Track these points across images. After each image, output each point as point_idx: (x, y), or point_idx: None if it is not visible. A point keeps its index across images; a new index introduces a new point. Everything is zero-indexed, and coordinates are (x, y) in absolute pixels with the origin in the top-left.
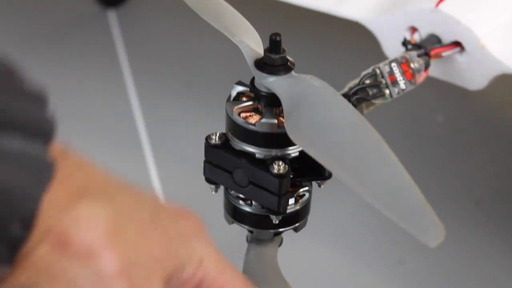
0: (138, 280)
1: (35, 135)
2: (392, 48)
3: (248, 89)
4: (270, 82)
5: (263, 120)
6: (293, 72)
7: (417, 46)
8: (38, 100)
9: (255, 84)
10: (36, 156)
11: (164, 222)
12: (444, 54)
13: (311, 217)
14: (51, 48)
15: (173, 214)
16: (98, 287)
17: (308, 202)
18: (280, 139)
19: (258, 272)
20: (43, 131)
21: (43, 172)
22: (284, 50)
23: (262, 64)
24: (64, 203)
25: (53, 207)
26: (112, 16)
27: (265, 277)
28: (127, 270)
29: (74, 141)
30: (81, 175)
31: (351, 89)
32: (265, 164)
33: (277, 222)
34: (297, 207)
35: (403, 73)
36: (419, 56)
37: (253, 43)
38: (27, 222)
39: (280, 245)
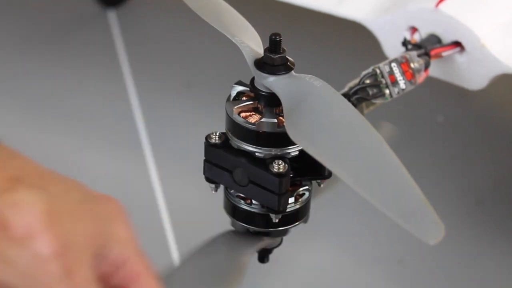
0: (72, 260)
1: None
2: (392, 48)
3: (248, 89)
4: (270, 82)
5: (263, 120)
6: (293, 72)
7: (417, 46)
8: None
9: (255, 84)
10: None
11: (93, 205)
12: (444, 54)
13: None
14: (51, 48)
15: (99, 198)
16: (35, 267)
17: (308, 201)
18: (280, 139)
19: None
20: None
21: None
22: (284, 50)
23: (262, 64)
24: (1, 189)
25: None
26: (112, 16)
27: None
28: (62, 250)
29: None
30: (16, 162)
31: (351, 88)
32: (265, 163)
33: (276, 220)
34: (297, 206)
35: (403, 73)
36: (419, 56)
37: (253, 43)
38: None
39: (279, 245)
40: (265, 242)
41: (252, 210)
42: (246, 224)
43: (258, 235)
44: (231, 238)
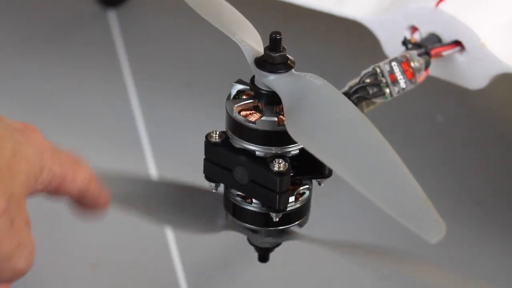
0: (13, 210)
1: None
2: (392, 47)
3: (248, 87)
4: (270, 80)
5: (263, 118)
6: (293, 70)
7: (417, 45)
8: None
9: (255, 82)
10: None
11: (23, 145)
12: (445, 53)
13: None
14: (51, 48)
15: (22, 131)
16: None
17: (308, 200)
18: (280, 137)
19: None
20: None
21: None
22: (284, 48)
23: (262, 62)
24: None
25: None
26: (112, 16)
27: None
28: (6, 206)
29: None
30: None
31: (351, 87)
32: (265, 162)
33: (277, 219)
34: (297, 204)
35: (404, 72)
36: (419, 55)
37: (253, 42)
38: None
39: (279, 244)
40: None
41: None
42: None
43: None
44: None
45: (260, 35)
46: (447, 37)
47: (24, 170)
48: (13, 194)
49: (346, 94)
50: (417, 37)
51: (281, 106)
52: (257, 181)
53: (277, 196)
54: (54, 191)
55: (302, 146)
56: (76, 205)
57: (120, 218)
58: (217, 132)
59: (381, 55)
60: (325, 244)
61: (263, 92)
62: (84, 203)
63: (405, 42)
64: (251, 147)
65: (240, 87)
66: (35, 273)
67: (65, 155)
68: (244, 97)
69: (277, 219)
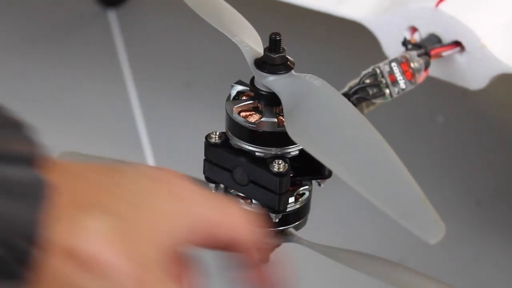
0: (146, 277)
1: (18, 160)
2: (392, 47)
3: (248, 88)
4: (270, 81)
5: (263, 119)
6: (293, 71)
7: (417, 45)
8: (15, 126)
9: (255, 83)
10: (22, 179)
11: (158, 201)
12: (444, 53)
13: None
14: (51, 48)
15: (166, 183)
16: None
17: (308, 201)
18: (280, 138)
19: None
20: (25, 154)
21: (36, 192)
22: (284, 49)
23: (262, 63)
24: (67, 218)
25: (55, 221)
26: (112, 16)
27: None
28: (134, 272)
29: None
30: (76, 183)
31: (351, 88)
32: (265, 162)
33: (276, 220)
34: (297, 205)
35: (403, 72)
36: (419, 55)
37: (253, 43)
38: (30, 239)
39: (280, 245)
40: None
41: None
42: None
43: None
44: None
45: (260, 35)
46: (447, 38)
47: (164, 227)
48: (143, 260)
49: (346, 94)
50: (417, 37)
51: (280, 107)
52: (257, 182)
53: (277, 197)
54: (211, 241)
55: (301, 147)
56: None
57: None
58: (217, 133)
59: (381, 56)
60: (323, 250)
61: (263, 93)
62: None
63: (405, 43)
64: (251, 148)
65: (240, 88)
66: None
67: (215, 197)
68: (244, 98)
69: (277, 220)
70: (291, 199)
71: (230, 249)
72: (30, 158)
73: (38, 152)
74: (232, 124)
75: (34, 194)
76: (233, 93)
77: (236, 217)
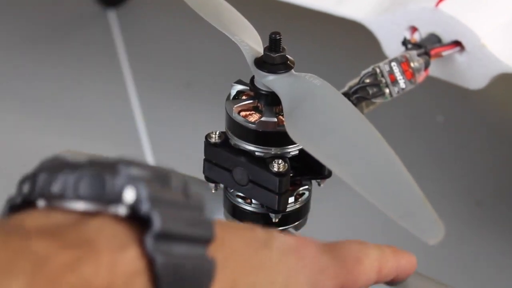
0: None
1: (199, 241)
2: (392, 47)
3: (248, 88)
4: (270, 81)
5: (263, 119)
6: (292, 70)
7: (417, 45)
8: (198, 206)
9: (255, 83)
10: (200, 259)
11: (296, 272)
12: (444, 53)
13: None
14: (51, 48)
15: (298, 253)
16: None
17: (308, 201)
18: (280, 138)
19: None
20: (204, 236)
21: (205, 273)
22: (283, 49)
23: (262, 63)
24: None
25: None
26: (112, 16)
27: None
28: None
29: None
30: (227, 262)
31: (351, 88)
32: (264, 162)
33: (276, 220)
34: (297, 205)
35: (403, 72)
36: (419, 55)
37: (252, 42)
38: None
39: None
40: None
41: (252, 209)
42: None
43: None
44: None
45: (260, 35)
46: (446, 37)
47: None
48: None
49: (346, 94)
50: (417, 37)
51: (280, 107)
52: (256, 181)
53: (277, 196)
54: None
55: (301, 147)
56: None
57: None
58: (217, 133)
59: (381, 55)
60: None
61: (263, 92)
62: None
63: (404, 42)
64: (251, 147)
65: (239, 87)
66: None
67: (343, 263)
68: (243, 97)
69: (277, 220)
70: (291, 199)
71: None
72: (209, 238)
73: (210, 225)
74: (232, 124)
75: (202, 275)
76: (233, 92)
77: (368, 270)
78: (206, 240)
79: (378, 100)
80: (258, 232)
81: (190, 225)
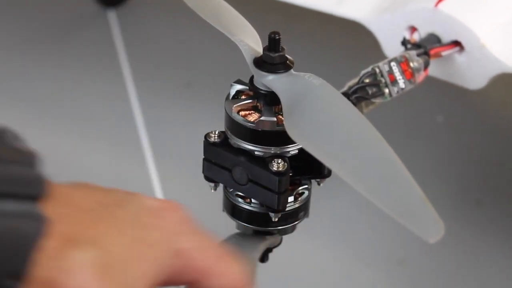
0: None
1: (23, 195)
2: (392, 47)
3: (247, 88)
4: (269, 80)
5: (262, 118)
6: (292, 70)
7: (416, 45)
8: (27, 159)
9: (254, 83)
10: (24, 213)
11: (149, 229)
12: (444, 53)
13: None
14: (51, 48)
15: (157, 214)
16: None
17: (307, 200)
18: (279, 137)
19: None
20: (31, 189)
21: (33, 226)
22: (283, 49)
23: (261, 63)
24: (53, 252)
25: (43, 256)
26: (112, 16)
27: None
28: None
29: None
30: (75, 216)
31: (350, 88)
32: (264, 162)
33: (276, 220)
34: (297, 204)
35: (403, 72)
36: (418, 55)
37: (252, 42)
38: (18, 276)
39: (279, 245)
40: (269, 241)
41: (252, 209)
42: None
43: (262, 234)
44: (237, 240)
45: (260, 35)
46: (446, 37)
47: (143, 262)
48: None
49: (345, 94)
50: (416, 37)
51: (280, 106)
52: (256, 181)
53: (276, 196)
54: (189, 283)
55: (301, 146)
56: None
57: None
58: (216, 132)
59: (381, 55)
60: None
61: (262, 92)
62: None
63: (404, 42)
64: (250, 147)
65: (239, 87)
66: None
67: (211, 244)
68: (243, 97)
69: (276, 219)
70: (291, 198)
71: None
72: (31, 192)
73: (40, 182)
74: (231, 123)
75: (28, 231)
76: (233, 92)
77: (230, 267)
78: (34, 197)
79: (377, 100)
80: (116, 192)
81: (14, 181)
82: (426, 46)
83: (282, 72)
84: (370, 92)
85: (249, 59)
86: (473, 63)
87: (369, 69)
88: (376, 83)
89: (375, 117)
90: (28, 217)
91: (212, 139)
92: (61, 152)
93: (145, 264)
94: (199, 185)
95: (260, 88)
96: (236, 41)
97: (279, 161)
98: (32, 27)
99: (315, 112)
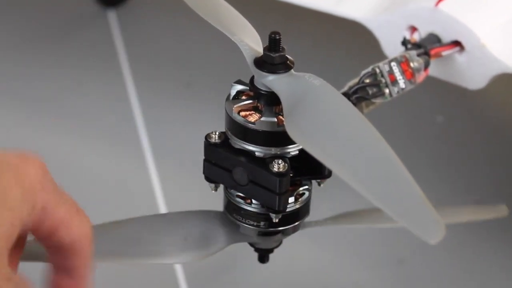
0: None
1: None
2: (392, 47)
3: (248, 88)
4: (270, 81)
5: (263, 119)
6: (292, 70)
7: (416, 45)
8: None
9: (255, 83)
10: None
11: (8, 191)
12: (444, 53)
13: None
14: (51, 48)
15: (17, 171)
16: None
17: (308, 201)
18: (280, 138)
19: None
20: None
21: None
22: (283, 49)
23: (262, 63)
24: None
25: None
26: (112, 16)
27: None
28: None
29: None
30: None
31: (350, 88)
32: (264, 162)
33: (276, 220)
34: (297, 205)
35: (403, 72)
36: (418, 55)
37: (252, 42)
38: None
39: (278, 245)
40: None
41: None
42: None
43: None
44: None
45: (260, 35)
46: (446, 37)
47: (3, 220)
48: None
49: (346, 94)
50: (416, 37)
51: (280, 107)
52: (256, 181)
53: (277, 197)
54: (45, 235)
55: (301, 147)
56: (58, 262)
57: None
58: (217, 133)
59: (381, 55)
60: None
61: (263, 92)
62: (69, 261)
63: (404, 42)
64: (251, 147)
65: (239, 87)
66: None
67: (65, 198)
68: (243, 97)
69: (277, 220)
70: (291, 199)
71: (61, 251)
72: None
73: None
74: (232, 124)
75: None
76: (233, 92)
77: (82, 225)
78: None
79: (377, 100)
80: None
81: None
82: (426, 46)
83: (282, 72)
84: (370, 92)
85: (249, 59)
86: (473, 63)
87: (369, 69)
88: (376, 83)
89: (375, 117)
90: None
91: (213, 140)
92: (61, 152)
93: (2, 228)
94: (199, 185)
95: (261, 88)
96: (236, 41)
97: (280, 162)
98: (32, 27)
99: (316, 113)
